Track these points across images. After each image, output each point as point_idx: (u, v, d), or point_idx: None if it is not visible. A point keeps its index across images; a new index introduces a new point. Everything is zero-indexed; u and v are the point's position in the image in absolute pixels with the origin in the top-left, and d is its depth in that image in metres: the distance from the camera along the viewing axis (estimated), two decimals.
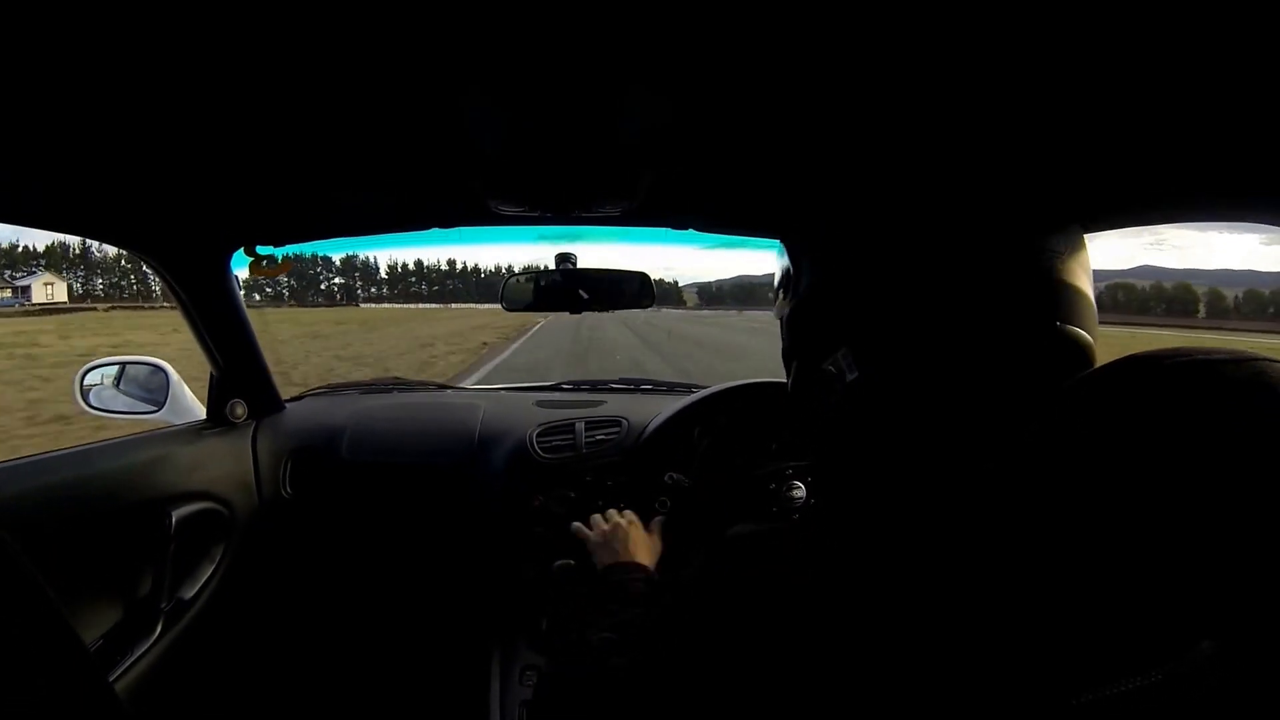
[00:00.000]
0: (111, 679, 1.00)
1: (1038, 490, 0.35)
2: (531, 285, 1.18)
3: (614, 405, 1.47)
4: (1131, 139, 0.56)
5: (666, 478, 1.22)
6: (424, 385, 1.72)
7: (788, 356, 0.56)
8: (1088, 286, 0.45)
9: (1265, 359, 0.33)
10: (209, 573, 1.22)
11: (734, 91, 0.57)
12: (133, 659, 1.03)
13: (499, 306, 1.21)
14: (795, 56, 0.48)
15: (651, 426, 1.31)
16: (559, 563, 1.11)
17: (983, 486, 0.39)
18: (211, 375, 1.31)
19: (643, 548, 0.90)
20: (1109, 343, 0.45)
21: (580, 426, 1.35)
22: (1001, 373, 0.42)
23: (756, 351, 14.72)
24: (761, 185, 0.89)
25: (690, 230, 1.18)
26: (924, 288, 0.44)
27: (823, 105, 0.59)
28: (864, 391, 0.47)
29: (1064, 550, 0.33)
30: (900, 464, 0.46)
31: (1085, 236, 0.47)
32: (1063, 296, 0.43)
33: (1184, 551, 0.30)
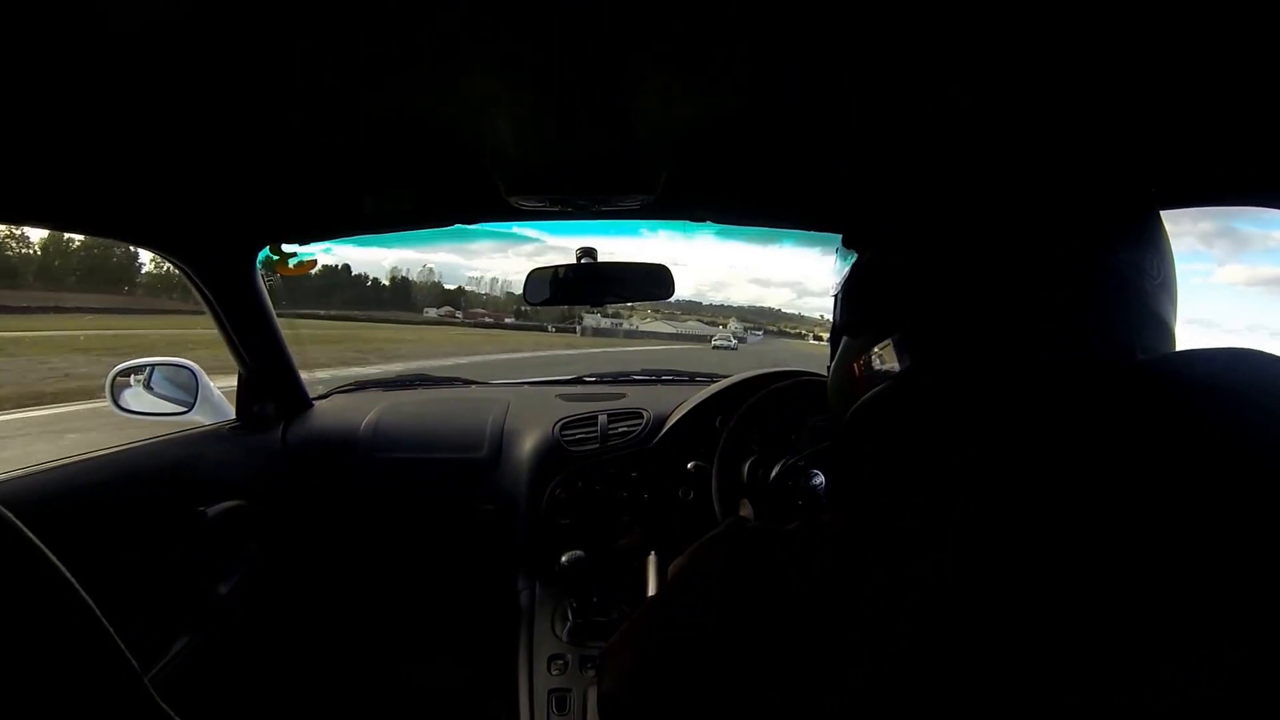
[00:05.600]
0: (149, 676, 1.02)
1: (1015, 495, 0.35)
2: (552, 278, 1.19)
3: (635, 397, 1.49)
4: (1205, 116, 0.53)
5: (689, 466, 1.23)
6: (449, 381, 1.75)
7: (836, 334, 0.54)
8: (1173, 321, 0.42)
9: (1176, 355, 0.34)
10: (242, 569, 1.24)
11: (754, 84, 0.57)
12: (170, 655, 1.05)
13: None
14: (821, 44, 0.48)
15: (674, 417, 1.32)
16: (568, 555, 1.12)
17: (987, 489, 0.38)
18: (240, 375, 1.33)
19: None
20: None
21: (603, 419, 1.37)
22: (1062, 391, 0.38)
23: None
24: (783, 176, 0.89)
25: (707, 223, 1.20)
26: (994, 287, 0.41)
27: (851, 93, 0.58)
28: (912, 385, 0.44)
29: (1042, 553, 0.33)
30: (930, 463, 0.44)
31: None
32: (1148, 325, 0.41)
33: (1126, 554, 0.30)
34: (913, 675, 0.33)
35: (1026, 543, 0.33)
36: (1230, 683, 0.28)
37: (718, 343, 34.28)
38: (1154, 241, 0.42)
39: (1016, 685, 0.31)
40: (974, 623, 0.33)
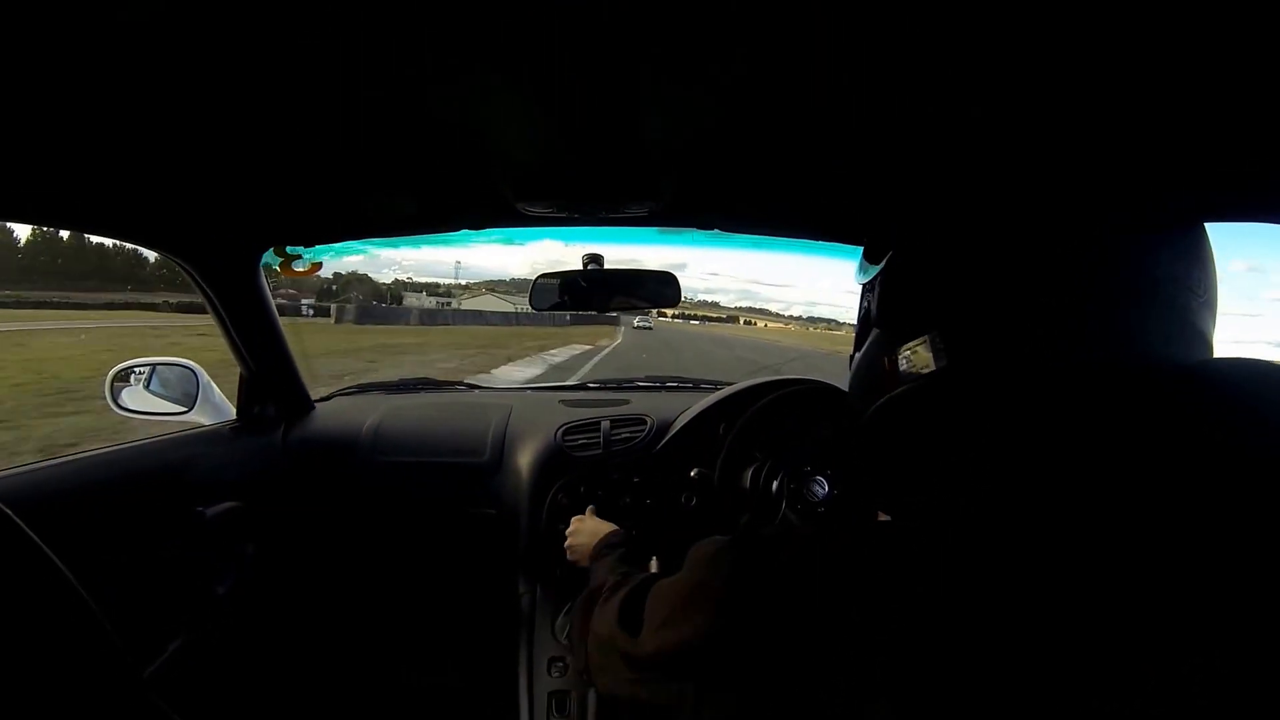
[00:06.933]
0: (146, 674, 1.01)
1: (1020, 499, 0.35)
2: (559, 284, 1.19)
3: (638, 403, 1.48)
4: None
5: (692, 473, 1.23)
6: (451, 385, 1.74)
7: (866, 324, 0.52)
8: (1212, 335, 0.41)
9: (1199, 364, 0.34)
10: (240, 570, 1.23)
11: (760, 90, 0.56)
12: (166, 655, 1.04)
13: None
14: (828, 49, 0.47)
15: (678, 424, 1.32)
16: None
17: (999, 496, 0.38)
18: (242, 376, 1.32)
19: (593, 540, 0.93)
20: None
21: (606, 425, 1.36)
22: (1103, 405, 0.37)
23: None
24: (792, 184, 0.89)
25: (715, 230, 1.19)
26: (1023, 294, 0.40)
27: (853, 94, 0.56)
28: (939, 386, 0.43)
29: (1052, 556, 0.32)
30: (933, 463, 0.43)
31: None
32: (1191, 339, 0.39)
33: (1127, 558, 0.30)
34: (903, 680, 0.33)
35: (1021, 545, 0.33)
36: (1220, 691, 0.28)
37: (639, 324, 37.00)
38: (1199, 256, 0.41)
39: (1007, 690, 0.31)
40: (965, 626, 0.33)
